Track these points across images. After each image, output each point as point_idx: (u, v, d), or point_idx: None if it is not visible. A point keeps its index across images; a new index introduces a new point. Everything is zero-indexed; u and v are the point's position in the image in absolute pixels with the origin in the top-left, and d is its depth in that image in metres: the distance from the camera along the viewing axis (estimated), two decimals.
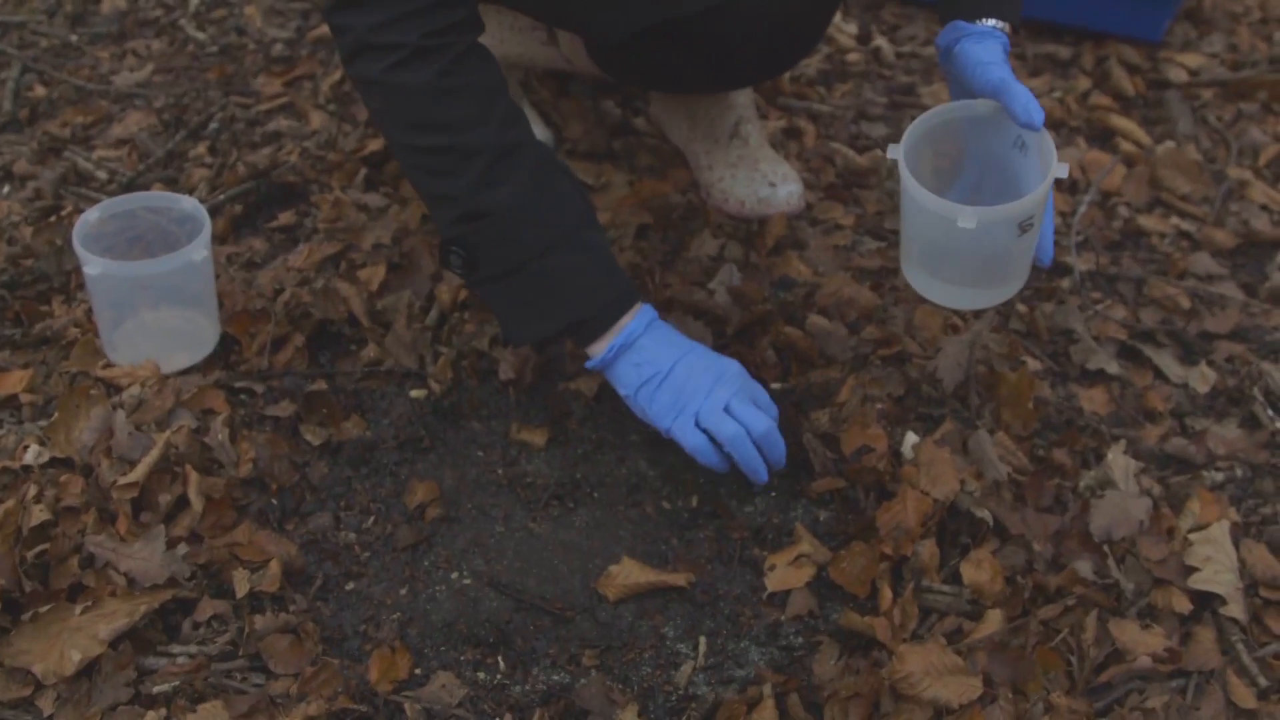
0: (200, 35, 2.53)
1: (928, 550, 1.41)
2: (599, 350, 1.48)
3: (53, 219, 1.94)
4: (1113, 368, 1.71)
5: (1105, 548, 1.44)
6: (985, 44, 1.41)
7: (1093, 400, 1.67)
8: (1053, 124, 2.25)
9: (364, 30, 1.39)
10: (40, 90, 2.34)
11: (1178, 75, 2.40)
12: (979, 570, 1.40)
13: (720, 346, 1.71)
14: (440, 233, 1.47)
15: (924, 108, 2.28)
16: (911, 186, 1.36)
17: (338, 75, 2.33)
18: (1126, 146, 2.19)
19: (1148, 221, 2.02)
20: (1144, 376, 1.72)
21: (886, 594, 1.38)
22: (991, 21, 1.43)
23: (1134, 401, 1.68)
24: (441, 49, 1.39)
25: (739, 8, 1.58)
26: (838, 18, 2.38)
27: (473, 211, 1.43)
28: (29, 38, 2.54)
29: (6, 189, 2.06)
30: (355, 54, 1.41)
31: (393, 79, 1.39)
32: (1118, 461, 1.54)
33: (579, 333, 1.49)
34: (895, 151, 1.39)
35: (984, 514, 1.44)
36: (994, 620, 1.35)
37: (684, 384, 1.46)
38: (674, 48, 1.64)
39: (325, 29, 2.44)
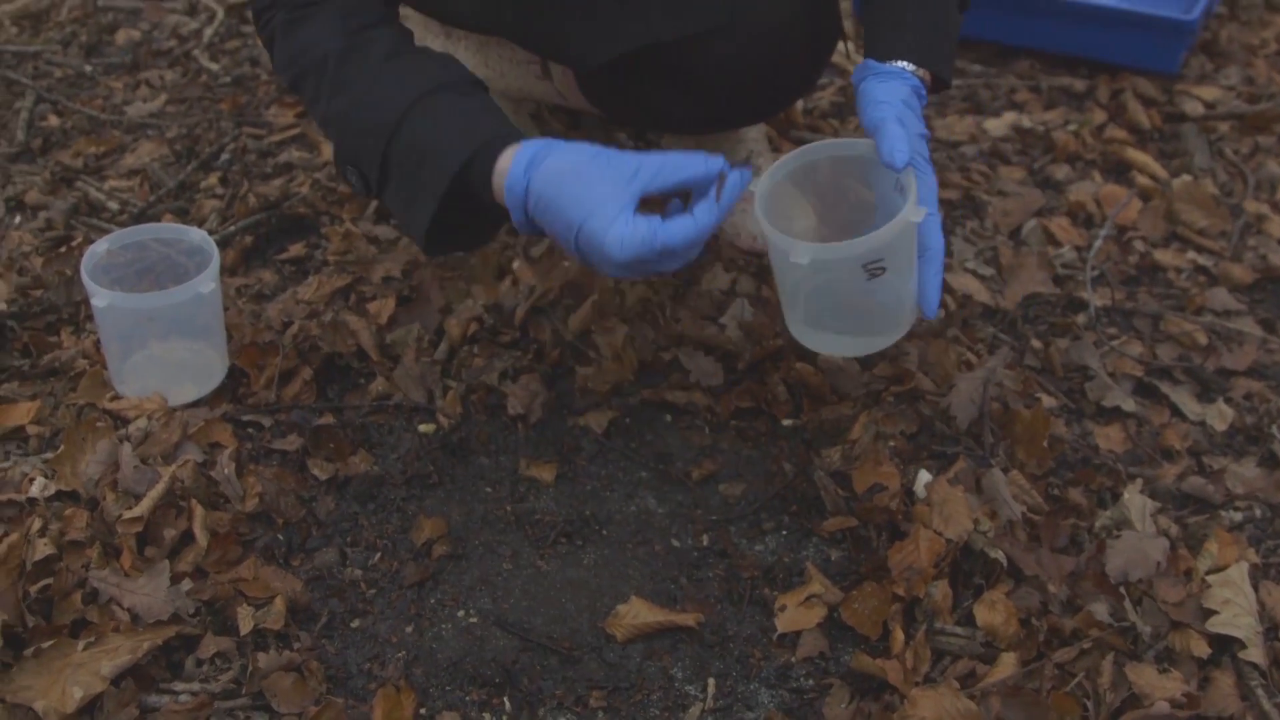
0: (213, 66, 2.53)
1: (941, 591, 1.39)
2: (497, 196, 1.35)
3: (63, 250, 1.94)
4: (1129, 405, 1.69)
5: (1122, 589, 1.41)
6: (887, 84, 1.40)
7: (1109, 438, 1.65)
8: (1068, 157, 2.24)
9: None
10: (54, 120, 2.35)
11: (1194, 108, 2.39)
12: (993, 612, 1.38)
13: (732, 382, 1.70)
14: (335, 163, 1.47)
15: (939, 142, 2.28)
16: (761, 220, 1.36)
17: None
18: (1142, 180, 2.17)
19: (1164, 256, 2.00)
20: (1161, 414, 1.70)
21: (899, 636, 1.36)
22: (903, 64, 1.42)
23: (1151, 440, 1.66)
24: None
25: (721, 39, 1.55)
26: (850, 48, 2.36)
27: (332, 120, 1.44)
28: (44, 67, 2.54)
29: (18, 219, 2.06)
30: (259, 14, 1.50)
31: (264, 34, 1.51)
32: (1134, 501, 1.52)
33: (468, 199, 1.37)
34: (754, 184, 1.38)
35: (998, 554, 1.42)
36: (1008, 663, 1.33)
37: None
38: (658, 82, 1.62)
39: None
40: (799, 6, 1.58)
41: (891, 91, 1.39)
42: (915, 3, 1.46)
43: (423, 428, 1.64)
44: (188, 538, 1.46)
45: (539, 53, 1.74)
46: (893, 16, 1.46)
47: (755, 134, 1.96)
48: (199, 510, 1.47)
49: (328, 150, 2.20)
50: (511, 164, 1.31)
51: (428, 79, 1.39)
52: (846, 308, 1.44)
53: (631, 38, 1.56)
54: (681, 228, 1.26)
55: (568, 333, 1.76)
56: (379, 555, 1.49)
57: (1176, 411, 1.71)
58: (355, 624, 1.41)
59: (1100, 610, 1.38)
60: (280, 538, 1.50)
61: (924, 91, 1.43)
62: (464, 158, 1.34)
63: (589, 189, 1.27)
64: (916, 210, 1.32)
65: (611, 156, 1.30)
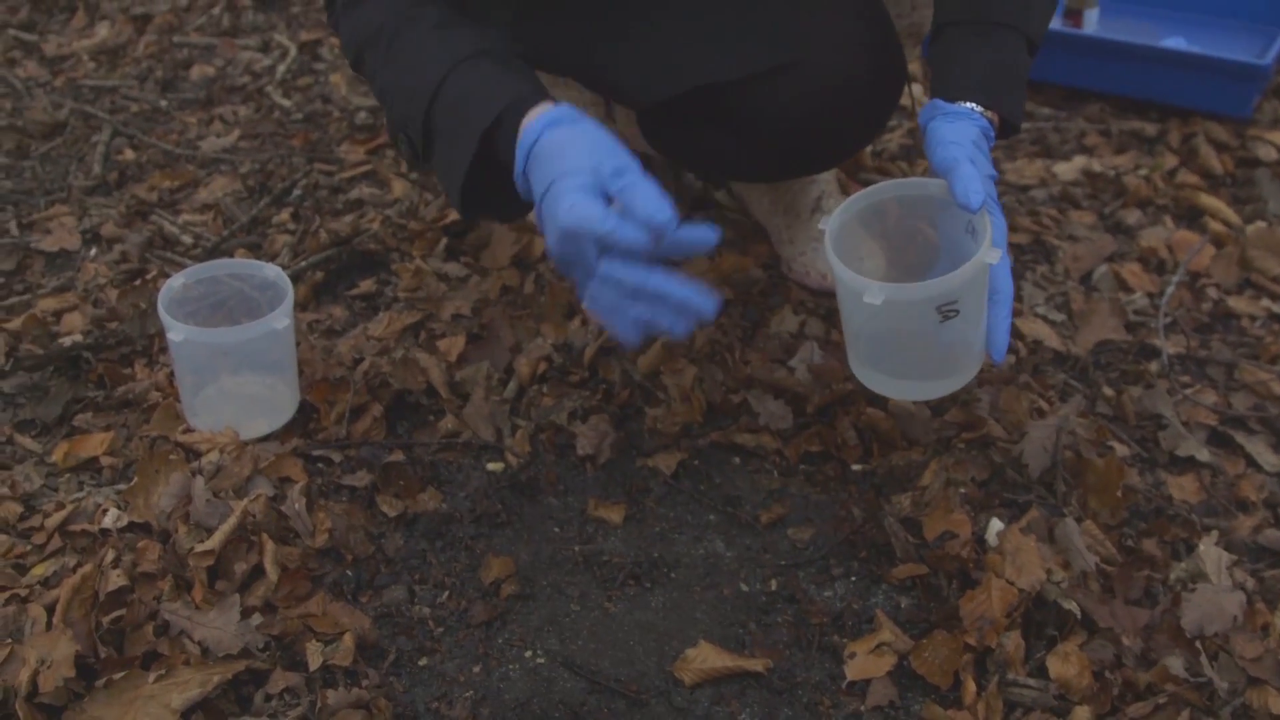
0: (286, 102, 2.56)
1: (1013, 642, 1.38)
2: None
3: (138, 282, 1.97)
4: (1203, 455, 1.67)
5: (1197, 644, 1.39)
6: (956, 125, 1.38)
7: (1183, 489, 1.62)
8: (1138, 202, 2.22)
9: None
10: (129, 154, 2.38)
11: (1267, 153, 2.36)
12: (1066, 664, 1.36)
13: (801, 426, 1.69)
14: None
15: (1008, 185, 2.27)
16: (832, 260, 1.34)
17: None
18: (1215, 226, 2.15)
19: (1238, 303, 1.98)
20: (1236, 464, 1.67)
21: (970, 686, 1.35)
22: (971, 105, 1.41)
23: (1225, 490, 1.63)
24: None
25: (785, 81, 1.54)
26: (918, 91, 2.36)
27: (383, 91, 1.47)
28: (120, 102, 2.59)
29: (94, 251, 2.09)
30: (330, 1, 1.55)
31: (331, 19, 1.56)
32: (1209, 553, 1.49)
33: (498, 156, 1.37)
34: (825, 222, 1.37)
35: (1071, 605, 1.40)
36: (1081, 717, 1.31)
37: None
38: (719, 126, 1.62)
39: None
40: (865, 47, 1.57)
41: (961, 132, 1.38)
42: (984, 43, 1.45)
43: (491, 466, 1.65)
44: (258, 572, 1.47)
45: (599, 91, 1.75)
46: (961, 56, 1.45)
47: (826, 175, 1.96)
48: (270, 545, 1.48)
49: (398, 187, 2.22)
50: (537, 117, 1.32)
51: (470, 45, 1.41)
52: (913, 350, 1.42)
53: (690, 77, 1.56)
54: (628, 229, 1.20)
55: (637, 373, 1.76)
56: (447, 594, 1.49)
57: (1252, 462, 1.68)
58: (423, 662, 1.41)
59: (1176, 665, 1.36)
60: (349, 574, 1.51)
61: (992, 133, 1.42)
62: (496, 111, 1.35)
63: (580, 156, 1.26)
64: (992, 252, 1.31)
65: (620, 148, 1.28)
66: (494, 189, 1.42)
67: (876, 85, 1.60)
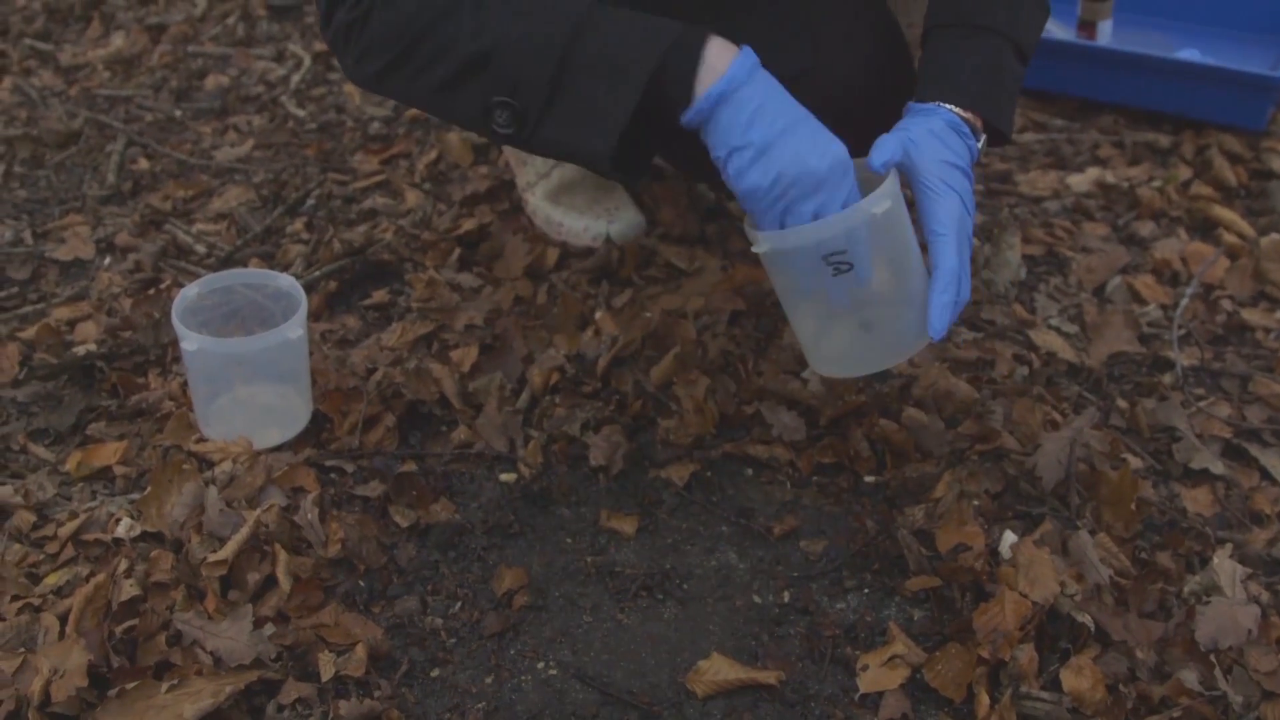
0: (300, 112, 2.57)
1: (1026, 655, 1.37)
2: (697, 95, 1.30)
3: (152, 292, 1.97)
4: (1217, 468, 1.66)
5: (1212, 657, 1.38)
6: (914, 117, 1.40)
7: (1197, 501, 1.62)
8: (1152, 214, 2.22)
9: None
10: (144, 163, 2.39)
11: None
12: (1080, 677, 1.35)
13: (814, 437, 1.69)
14: (477, 117, 1.36)
15: (1020, 196, 2.26)
16: (747, 228, 1.37)
17: (434, 155, 2.35)
18: (1229, 238, 2.14)
19: (1252, 316, 1.97)
20: (1250, 477, 1.67)
21: (984, 700, 1.34)
22: (946, 106, 1.41)
23: (1240, 503, 1.63)
24: None
25: (790, 88, 1.53)
26: None
27: (482, 53, 1.32)
28: (135, 111, 2.60)
29: (108, 260, 2.10)
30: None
31: (357, 12, 1.38)
32: (1224, 566, 1.49)
33: (665, 95, 1.31)
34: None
35: (1085, 618, 1.40)
36: None
37: (782, 173, 1.30)
38: None
39: None
40: (873, 55, 1.57)
41: (912, 123, 1.39)
42: (967, 47, 1.44)
43: (504, 477, 1.65)
44: (270, 582, 1.47)
45: None
46: (942, 60, 1.45)
47: None
48: (282, 555, 1.48)
49: (412, 197, 2.22)
50: (741, 55, 1.31)
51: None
52: (824, 317, 1.41)
53: None
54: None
55: (649, 384, 1.76)
56: (459, 604, 1.49)
57: (1266, 475, 1.67)
58: (435, 673, 1.41)
59: (1190, 678, 1.36)
60: (362, 584, 1.51)
61: (966, 129, 1.41)
62: (667, 40, 1.30)
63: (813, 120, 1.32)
64: (879, 201, 1.30)
65: None
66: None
67: (884, 93, 1.60)
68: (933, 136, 1.38)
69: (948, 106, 1.41)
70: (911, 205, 1.38)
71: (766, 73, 1.32)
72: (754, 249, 1.33)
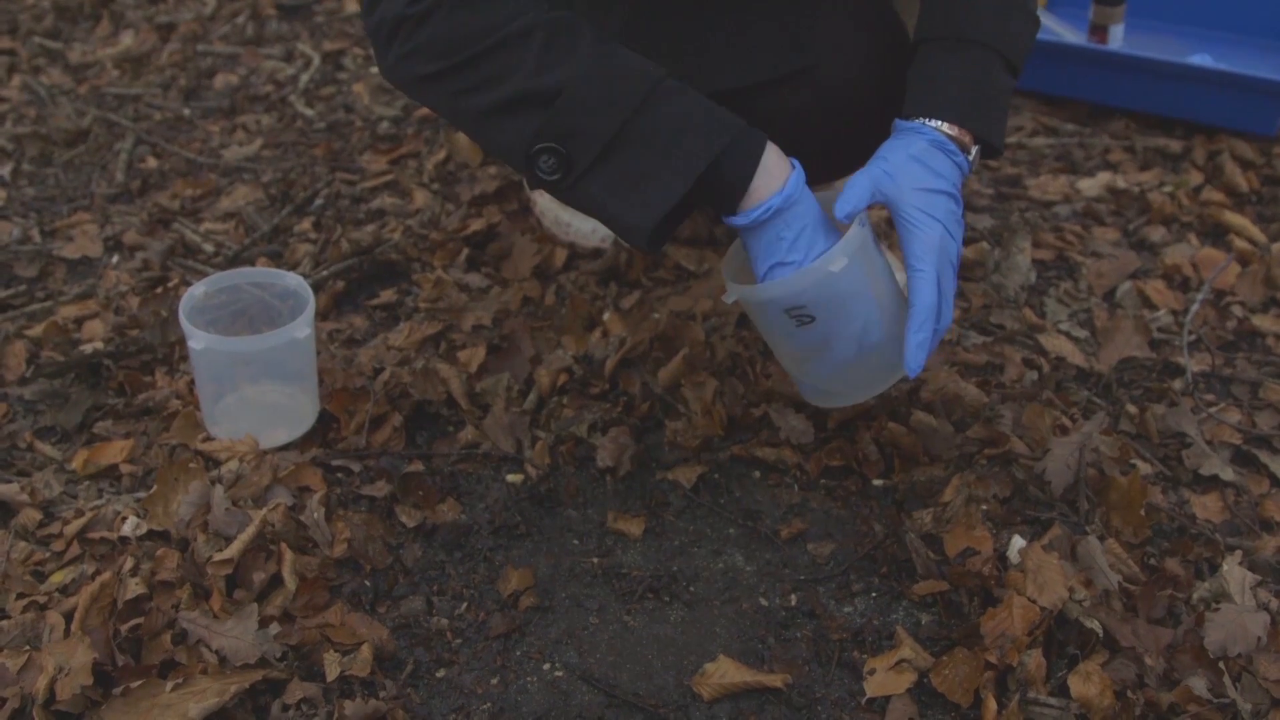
0: (309, 112, 2.57)
1: (1034, 661, 1.36)
2: (750, 205, 1.34)
3: (159, 290, 1.97)
4: (1227, 474, 1.66)
5: (1221, 664, 1.38)
6: (896, 139, 1.41)
7: (1206, 507, 1.61)
8: (1163, 219, 2.21)
9: None
10: (152, 162, 2.39)
11: None
12: (1088, 683, 1.34)
13: (822, 440, 1.68)
14: (520, 151, 1.34)
15: (1031, 200, 2.26)
16: (725, 273, 1.44)
17: (442, 155, 2.35)
18: (1240, 244, 2.14)
19: (1263, 322, 1.96)
20: (1260, 484, 1.66)
21: (991, 705, 1.33)
22: (934, 122, 1.40)
23: (1250, 510, 1.62)
24: None
25: (793, 89, 1.54)
26: None
27: (544, 92, 1.31)
28: (144, 110, 2.60)
29: (116, 259, 2.10)
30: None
31: (416, 9, 1.33)
32: (1233, 573, 1.48)
33: (714, 187, 1.34)
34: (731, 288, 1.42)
35: (1093, 624, 1.39)
36: None
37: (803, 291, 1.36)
38: None
39: None
40: (875, 54, 1.56)
41: (893, 148, 1.39)
42: (956, 60, 1.44)
43: (511, 478, 1.64)
44: (276, 581, 1.47)
45: None
46: (929, 74, 1.45)
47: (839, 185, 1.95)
48: (288, 554, 1.48)
49: (420, 197, 2.22)
50: (796, 171, 1.36)
51: (655, 67, 1.35)
52: (796, 354, 1.44)
53: (702, 85, 1.54)
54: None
55: (657, 385, 1.76)
56: (465, 605, 1.48)
57: (1276, 481, 1.67)
58: (440, 674, 1.41)
59: (1199, 685, 1.35)
60: (367, 584, 1.50)
61: (952, 147, 1.40)
62: (729, 136, 1.32)
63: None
64: (836, 259, 1.32)
65: None
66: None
67: (886, 92, 1.59)
68: (913, 162, 1.38)
69: (934, 124, 1.40)
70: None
71: (809, 190, 1.37)
72: (725, 299, 1.39)
